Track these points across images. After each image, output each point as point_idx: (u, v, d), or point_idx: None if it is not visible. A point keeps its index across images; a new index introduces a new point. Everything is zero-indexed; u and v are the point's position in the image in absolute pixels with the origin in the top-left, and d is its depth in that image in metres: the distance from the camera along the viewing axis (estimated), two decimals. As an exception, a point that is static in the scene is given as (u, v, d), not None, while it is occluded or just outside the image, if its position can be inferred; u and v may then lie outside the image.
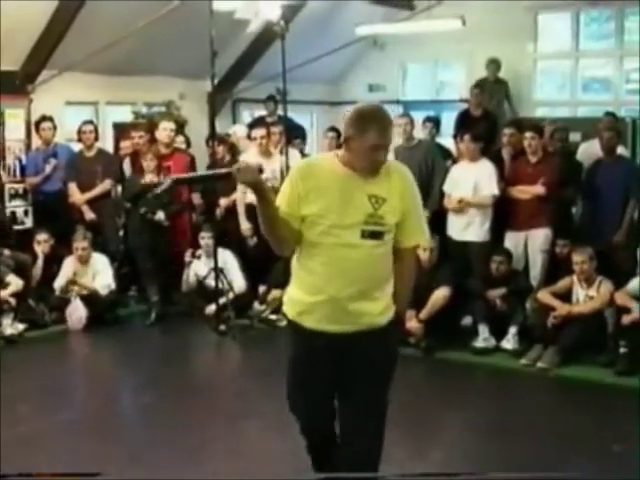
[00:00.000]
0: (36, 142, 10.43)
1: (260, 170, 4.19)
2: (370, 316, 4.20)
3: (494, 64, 12.84)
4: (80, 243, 9.23)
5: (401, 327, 4.58)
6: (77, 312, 9.00)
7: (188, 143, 10.98)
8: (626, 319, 7.44)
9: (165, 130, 9.87)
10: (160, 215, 9.30)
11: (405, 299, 4.42)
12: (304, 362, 4.48)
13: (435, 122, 10.64)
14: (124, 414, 6.91)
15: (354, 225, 4.11)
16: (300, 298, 4.32)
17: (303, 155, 10.36)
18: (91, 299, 9.10)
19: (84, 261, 9.29)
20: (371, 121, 4.08)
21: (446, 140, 11.07)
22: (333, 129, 10.68)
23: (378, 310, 4.22)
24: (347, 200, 4.13)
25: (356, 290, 4.15)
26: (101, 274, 9.32)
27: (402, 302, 4.36)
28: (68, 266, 9.33)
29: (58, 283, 9.25)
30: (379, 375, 4.32)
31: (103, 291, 9.22)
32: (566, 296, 7.93)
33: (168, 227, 9.44)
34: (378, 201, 4.12)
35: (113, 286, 9.37)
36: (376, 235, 4.13)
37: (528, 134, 8.84)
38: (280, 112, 10.30)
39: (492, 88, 12.74)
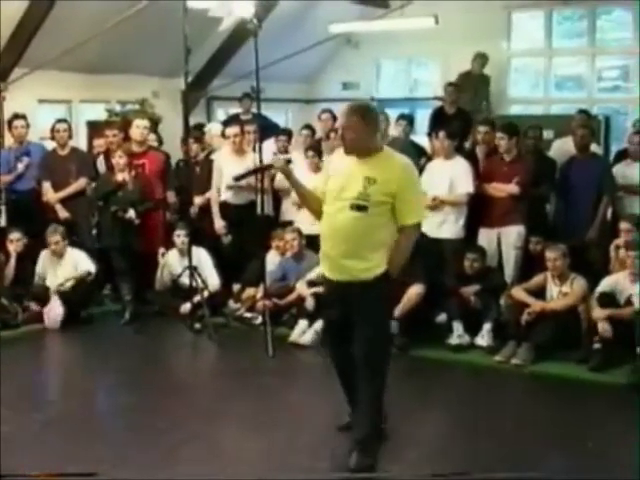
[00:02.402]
0: (9, 140, 10.35)
1: (289, 161, 5.88)
2: (357, 271, 5.33)
3: (481, 58, 12.87)
4: (53, 237, 9.20)
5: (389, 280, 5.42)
6: (55, 310, 8.96)
7: (160, 141, 10.94)
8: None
9: (139, 128, 9.82)
10: (131, 213, 9.25)
11: (396, 264, 5.40)
12: (325, 300, 5.93)
13: (409, 120, 10.65)
14: (100, 414, 6.85)
15: (348, 199, 5.27)
16: (320, 253, 5.61)
17: (287, 153, 10.35)
18: (69, 295, 9.06)
19: (59, 255, 9.26)
20: (341, 112, 5.46)
21: (420, 138, 11.09)
22: (308, 127, 10.69)
23: (365, 267, 5.31)
24: (349, 179, 5.32)
25: (343, 249, 5.33)
26: (80, 261, 9.33)
27: (393, 266, 5.38)
28: (42, 260, 9.35)
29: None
30: (369, 313, 5.40)
31: (85, 272, 9.25)
32: (540, 293, 7.96)
33: (140, 225, 9.38)
34: (370, 182, 5.24)
35: (93, 270, 9.33)
36: (361, 208, 5.23)
37: (499, 134, 8.88)
38: (254, 110, 10.29)
39: (476, 83, 12.79)
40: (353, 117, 5.30)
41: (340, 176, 5.39)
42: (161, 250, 9.56)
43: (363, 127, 5.29)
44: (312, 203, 5.64)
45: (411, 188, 5.33)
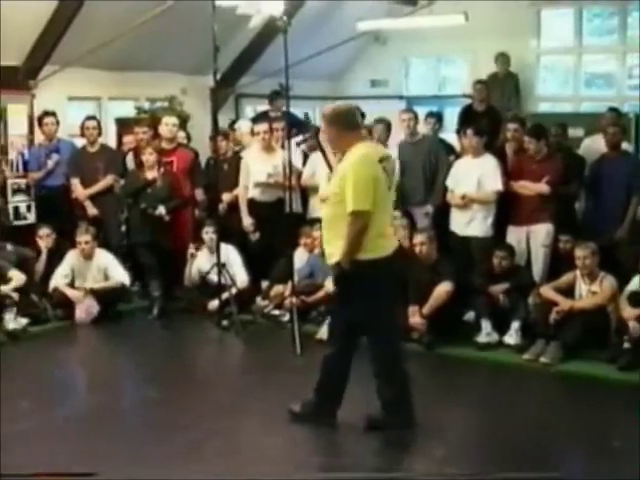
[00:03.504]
0: (39, 137, 10.42)
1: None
2: (327, 256, 6.01)
3: (503, 57, 12.83)
4: (83, 237, 9.22)
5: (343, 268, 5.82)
6: (89, 307, 9.02)
7: (189, 138, 10.98)
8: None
9: (167, 125, 9.87)
10: (161, 210, 9.30)
11: (343, 252, 5.74)
12: None
13: (437, 117, 10.64)
14: (124, 410, 6.88)
15: (328, 191, 6.11)
16: None
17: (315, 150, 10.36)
18: (100, 295, 9.11)
19: (87, 255, 9.27)
20: None
21: (449, 136, 11.06)
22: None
23: (330, 253, 5.92)
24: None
25: (323, 236, 6.10)
26: (112, 268, 9.34)
27: (342, 253, 5.76)
28: (70, 260, 9.32)
29: (55, 280, 9.23)
30: (337, 293, 6.12)
31: (119, 284, 9.29)
32: (569, 291, 7.92)
33: (170, 222, 9.43)
34: (334, 175, 6.02)
35: (127, 282, 9.40)
36: (329, 198, 6.00)
37: (526, 138, 8.84)
38: (284, 108, 10.29)
39: (503, 82, 12.76)
40: (323, 121, 6.06)
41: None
42: (190, 250, 9.55)
43: (330, 128, 5.97)
44: None
45: (352, 178, 5.69)
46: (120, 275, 9.34)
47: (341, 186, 5.75)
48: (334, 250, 5.84)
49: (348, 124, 5.93)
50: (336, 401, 6.09)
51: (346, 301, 5.96)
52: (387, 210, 6.05)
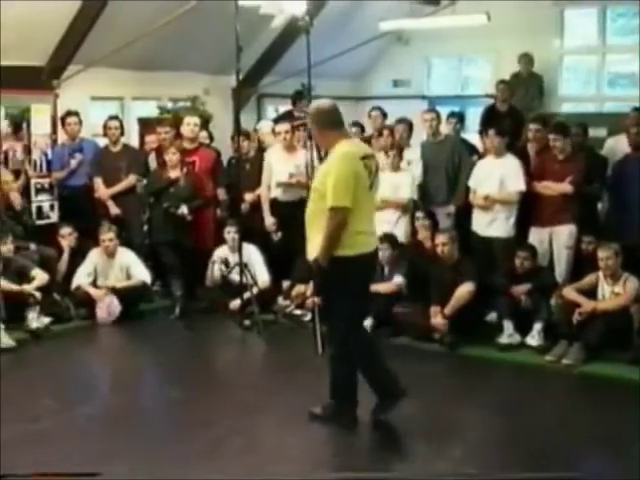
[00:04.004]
0: (62, 137, 10.47)
1: None
2: (309, 252, 5.97)
3: (526, 58, 12.80)
4: (107, 235, 9.27)
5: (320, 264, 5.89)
6: (111, 306, 9.05)
7: (211, 138, 11.00)
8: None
9: (189, 125, 9.90)
10: (183, 209, 9.33)
11: (320, 247, 5.81)
12: None
13: (459, 117, 10.61)
14: (145, 408, 6.90)
15: (312, 188, 6.17)
16: None
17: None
18: (122, 293, 9.14)
19: (110, 253, 9.32)
20: None
21: (471, 136, 11.03)
22: (356, 124, 10.67)
23: (309, 249, 5.96)
24: None
25: (307, 232, 6.03)
26: (135, 267, 9.37)
27: (319, 249, 5.83)
28: (92, 258, 9.36)
29: (78, 278, 9.27)
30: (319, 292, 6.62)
31: (140, 283, 9.32)
32: (591, 292, 7.87)
33: (192, 222, 9.46)
34: (317, 173, 6.25)
35: (149, 281, 9.43)
36: (313, 194, 6.04)
37: (552, 135, 8.80)
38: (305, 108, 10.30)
39: (527, 82, 12.72)
40: (309, 120, 6.35)
41: None
42: (219, 254, 9.56)
43: (313, 126, 6.18)
44: None
45: (331, 174, 5.81)
46: (142, 274, 9.38)
47: (323, 182, 5.87)
48: (312, 247, 5.93)
49: (330, 122, 6.04)
50: (352, 400, 6.11)
51: (328, 297, 6.20)
52: (368, 208, 6.09)
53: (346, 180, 5.79)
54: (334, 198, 5.75)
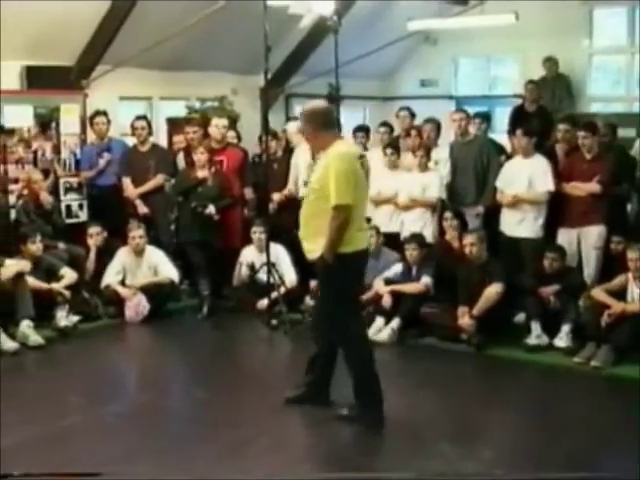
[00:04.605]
0: (91, 137, 10.54)
1: None
2: (308, 251, 6.13)
3: (550, 62, 12.73)
4: (136, 232, 9.32)
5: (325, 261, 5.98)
6: (139, 305, 9.09)
7: (239, 138, 11.03)
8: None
9: (217, 127, 9.94)
10: (211, 209, 9.35)
11: (325, 246, 5.91)
12: None
13: (485, 118, 10.56)
14: (175, 408, 6.93)
15: (307, 188, 6.33)
16: None
17: (365, 150, 10.34)
18: (151, 292, 9.18)
19: (139, 251, 9.36)
20: None
21: (499, 136, 10.99)
22: (385, 124, 10.65)
23: (310, 249, 6.08)
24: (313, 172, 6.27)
25: (301, 232, 6.19)
26: (163, 265, 9.40)
27: (324, 247, 5.91)
28: (121, 257, 9.40)
29: (107, 277, 9.31)
30: (320, 284, 6.40)
31: (168, 280, 9.34)
32: (620, 294, 7.81)
33: (219, 221, 9.48)
34: (313, 173, 6.23)
35: (176, 279, 9.45)
36: (308, 195, 6.19)
37: (581, 133, 8.74)
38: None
39: (553, 85, 12.66)
40: (301, 120, 6.30)
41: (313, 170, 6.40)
42: (246, 254, 9.57)
43: (307, 126, 6.20)
44: None
45: (333, 174, 5.88)
46: (170, 272, 9.40)
47: (322, 183, 5.96)
48: (314, 246, 6.01)
49: (324, 123, 6.12)
50: (377, 398, 6.11)
51: (329, 296, 6.24)
52: (364, 205, 6.33)
53: (347, 178, 5.92)
54: (338, 196, 5.87)
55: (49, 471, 5.05)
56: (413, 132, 9.87)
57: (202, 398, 6.84)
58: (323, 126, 6.10)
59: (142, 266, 9.38)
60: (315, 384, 6.42)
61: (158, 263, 9.40)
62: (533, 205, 8.68)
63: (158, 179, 10.12)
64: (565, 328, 7.95)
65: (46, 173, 10.01)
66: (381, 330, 8.32)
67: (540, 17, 12.73)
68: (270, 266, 8.86)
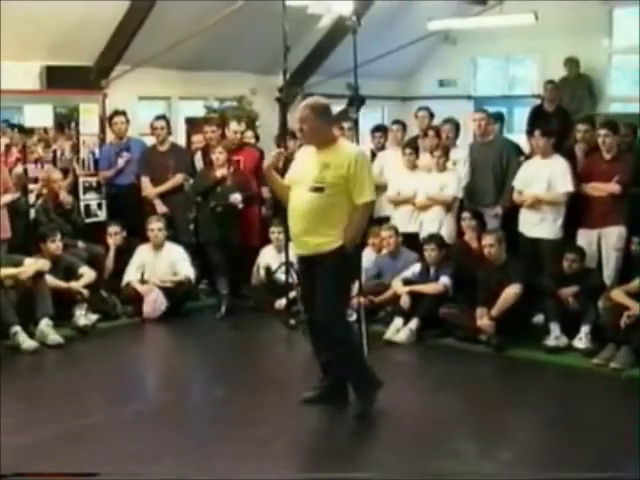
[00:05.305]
0: (110, 136, 10.58)
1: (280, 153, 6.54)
2: (317, 245, 6.06)
3: (571, 63, 12.69)
4: (155, 224, 9.38)
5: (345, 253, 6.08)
6: (157, 301, 9.12)
7: (257, 138, 11.04)
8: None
9: (235, 133, 10.00)
10: (236, 197, 9.35)
11: (350, 239, 6.05)
12: (298, 273, 7.22)
13: (499, 118, 10.52)
14: (194, 407, 6.94)
15: (307, 183, 6.04)
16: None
17: (383, 149, 10.34)
18: (169, 290, 9.21)
19: (159, 245, 9.41)
20: (298, 108, 6.24)
21: (518, 136, 10.95)
22: (397, 122, 10.64)
23: (322, 242, 6.03)
24: (309, 166, 6.11)
25: (304, 227, 6.08)
26: (180, 263, 9.43)
27: (347, 240, 6.04)
28: (140, 253, 9.45)
29: (128, 275, 9.36)
30: (326, 282, 6.08)
31: (185, 279, 9.35)
32: (641, 295, 7.79)
33: (238, 220, 9.50)
34: (325, 167, 5.99)
35: (192, 277, 9.46)
36: (318, 189, 5.98)
37: (602, 131, 8.70)
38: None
39: (574, 85, 12.61)
40: (306, 111, 6.08)
41: (302, 164, 6.23)
42: (264, 254, 9.55)
43: (315, 120, 6.05)
44: (285, 194, 6.31)
45: (361, 172, 6.00)
46: (187, 270, 9.42)
47: (341, 177, 5.99)
48: (325, 239, 6.05)
49: (330, 118, 6.25)
50: (376, 383, 6.34)
51: (342, 284, 6.32)
52: None
53: (371, 175, 6.26)
54: (369, 193, 6.08)
55: (64, 471, 5.10)
56: (431, 133, 9.84)
57: (221, 397, 6.85)
58: (330, 121, 6.24)
59: (161, 263, 9.42)
60: (332, 385, 6.45)
61: (177, 260, 9.42)
62: (552, 206, 8.64)
63: (177, 179, 10.14)
64: (584, 329, 7.91)
65: (65, 172, 10.05)
66: (399, 330, 8.31)
67: (559, 17, 12.68)
68: (288, 266, 8.86)
